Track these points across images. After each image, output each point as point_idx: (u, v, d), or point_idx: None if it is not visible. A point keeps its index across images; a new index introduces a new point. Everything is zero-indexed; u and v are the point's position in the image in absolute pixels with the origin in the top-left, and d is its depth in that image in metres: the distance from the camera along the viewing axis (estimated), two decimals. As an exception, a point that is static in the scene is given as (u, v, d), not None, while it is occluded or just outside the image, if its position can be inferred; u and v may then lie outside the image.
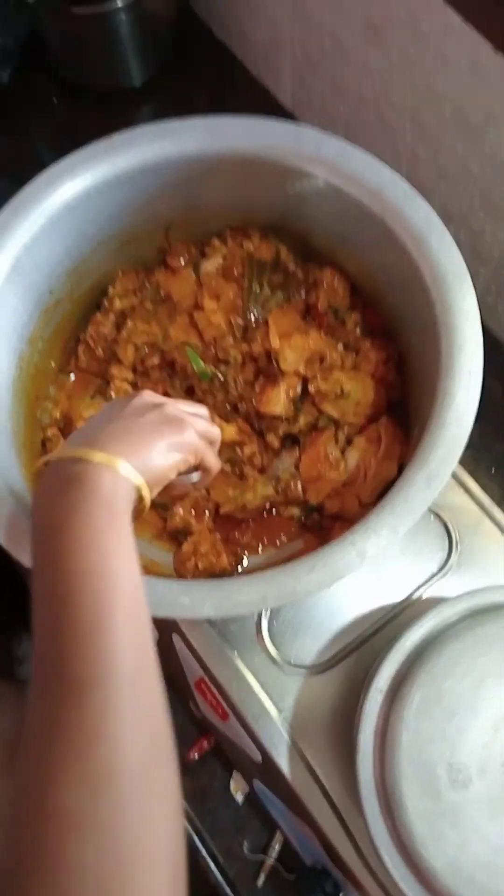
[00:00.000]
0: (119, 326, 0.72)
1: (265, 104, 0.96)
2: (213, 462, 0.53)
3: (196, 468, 0.53)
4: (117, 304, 0.72)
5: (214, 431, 0.54)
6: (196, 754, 0.72)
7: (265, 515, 0.69)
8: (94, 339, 0.72)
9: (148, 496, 0.46)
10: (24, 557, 0.53)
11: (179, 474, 0.51)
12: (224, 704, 0.66)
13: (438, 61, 0.68)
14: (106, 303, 0.73)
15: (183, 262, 0.74)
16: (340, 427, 0.68)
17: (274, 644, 0.67)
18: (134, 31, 0.90)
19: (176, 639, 0.68)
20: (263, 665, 0.66)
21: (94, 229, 0.68)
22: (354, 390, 0.67)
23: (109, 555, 0.40)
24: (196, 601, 0.53)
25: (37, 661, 0.38)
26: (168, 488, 0.51)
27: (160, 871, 0.34)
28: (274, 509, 0.69)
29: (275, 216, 0.71)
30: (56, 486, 0.43)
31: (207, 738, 0.72)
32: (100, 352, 0.73)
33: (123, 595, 0.39)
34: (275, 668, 0.66)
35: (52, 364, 0.72)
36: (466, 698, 0.56)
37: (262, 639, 0.67)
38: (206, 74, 0.99)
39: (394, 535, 0.54)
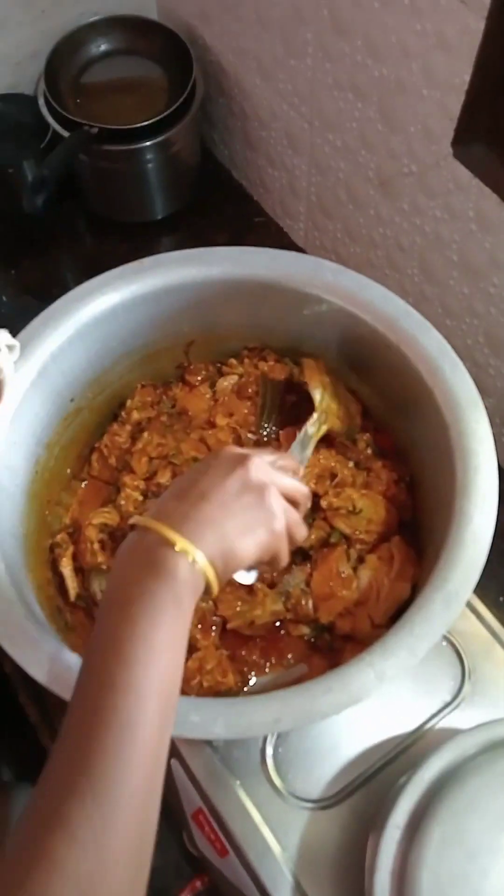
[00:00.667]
0: (134, 437, 0.73)
1: (279, 242, 1.02)
2: (284, 558, 0.53)
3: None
4: (134, 415, 0.74)
5: (303, 530, 0.54)
6: (187, 897, 0.66)
7: (273, 634, 0.68)
8: (109, 448, 0.73)
9: (217, 588, 0.47)
10: (34, 670, 0.52)
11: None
12: (224, 839, 0.61)
13: (446, 211, 0.73)
14: (123, 414, 0.75)
15: (200, 379, 0.76)
16: (352, 544, 0.67)
17: (279, 774, 0.63)
18: (159, 170, 0.98)
19: (175, 764, 0.64)
20: (267, 797, 0.62)
21: (118, 343, 0.71)
22: (366, 508, 0.67)
23: (164, 649, 0.42)
24: (207, 720, 0.51)
25: (73, 713, 0.41)
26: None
27: None
28: (283, 629, 0.68)
29: (291, 338, 0.75)
30: (135, 561, 0.46)
31: (201, 877, 0.66)
32: (113, 461, 0.73)
33: (160, 699, 0.41)
34: (279, 800, 0.62)
35: (67, 470, 0.72)
36: (488, 838, 0.52)
37: (267, 768, 0.63)
38: (225, 212, 1.06)
39: (412, 657, 0.53)
